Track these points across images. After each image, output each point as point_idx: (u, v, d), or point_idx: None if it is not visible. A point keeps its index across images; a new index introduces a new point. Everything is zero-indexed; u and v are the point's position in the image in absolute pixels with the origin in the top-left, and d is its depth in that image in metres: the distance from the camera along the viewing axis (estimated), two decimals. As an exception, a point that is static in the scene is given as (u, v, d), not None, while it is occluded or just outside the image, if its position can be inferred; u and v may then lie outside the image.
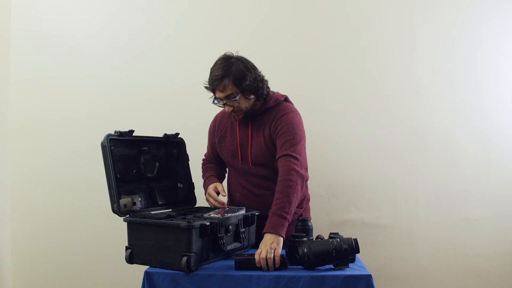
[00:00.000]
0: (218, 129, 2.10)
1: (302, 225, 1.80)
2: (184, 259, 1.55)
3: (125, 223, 1.71)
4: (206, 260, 1.65)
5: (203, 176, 2.15)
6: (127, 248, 1.70)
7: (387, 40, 2.63)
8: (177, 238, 1.59)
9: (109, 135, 1.81)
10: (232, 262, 1.64)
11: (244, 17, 2.66)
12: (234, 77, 1.83)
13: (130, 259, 1.69)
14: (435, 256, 2.62)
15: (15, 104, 2.68)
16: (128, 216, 1.73)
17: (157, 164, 2.04)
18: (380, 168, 2.63)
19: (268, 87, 1.98)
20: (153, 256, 1.64)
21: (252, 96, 1.90)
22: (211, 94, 1.91)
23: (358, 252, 1.61)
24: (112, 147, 1.81)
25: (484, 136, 2.62)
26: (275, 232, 1.71)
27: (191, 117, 2.63)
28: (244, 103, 1.90)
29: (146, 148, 2.01)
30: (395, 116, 2.63)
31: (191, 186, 2.15)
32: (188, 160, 2.15)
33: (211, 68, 1.89)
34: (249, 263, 1.61)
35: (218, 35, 2.65)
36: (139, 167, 1.97)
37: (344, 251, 1.58)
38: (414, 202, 2.63)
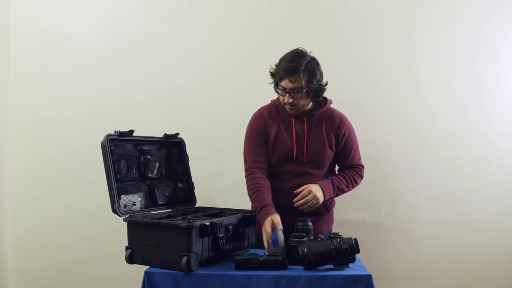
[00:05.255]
0: (270, 124, 2.02)
1: (302, 225, 1.81)
2: (184, 259, 1.55)
3: (125, 223, 1.72)
4: (206, 260, 1.65)
5: (256, 198, 1.90)
6: (127, 248, 1.71)
7: (387, 40, 2.63)
8: (177, 238, 1.59)
9: (109, 135, 1.81)
10: (232, 262, 1.64)
11: (244, 15, 2.65)
12: (308, 73, 1.89)
13: (130, 259, 1.69)
14: (435, 256, 2.62)
15: (15, 103, 2.68)
16: (128, 216, 1.73)
17: (157, 164, 2.04)
18: (380, 168, 2.63)
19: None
20: (153, 256, 1.64)
21: (311, 96, 1.96)
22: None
23: (358, 252, 1.61)
24: (112, 147, 1.82)
25: (484, 136, 2.62)
26: (325, 190, 1.93)
27: (191, 116, 2.63)
28: (303, 100, 1.95)
29: (146, 148, 2.01)
30: (395, 115, 2.63)
31: (191, 186, 2.15)
32: (188, 160, 2.15)
33: (283, 58, 1.94)
34: (249, 263, 1.61)
35: (218, 33, 2.65)
36: (139, 167, 1.97)
37: (344, 251, 1.58)
38: (414, 202, 2.63)
